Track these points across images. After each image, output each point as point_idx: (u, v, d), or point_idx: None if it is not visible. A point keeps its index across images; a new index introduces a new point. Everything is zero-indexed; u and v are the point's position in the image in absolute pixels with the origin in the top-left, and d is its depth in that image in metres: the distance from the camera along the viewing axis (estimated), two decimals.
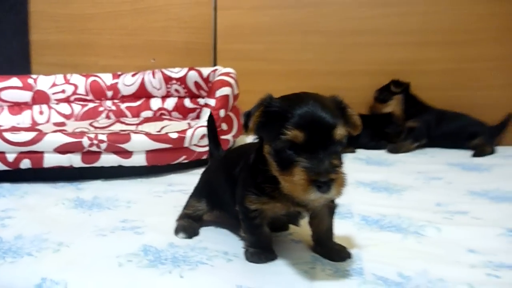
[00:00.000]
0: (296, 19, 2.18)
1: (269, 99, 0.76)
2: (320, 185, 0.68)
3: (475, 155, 1.83)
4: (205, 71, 1.94)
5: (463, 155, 1.82)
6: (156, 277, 0.77)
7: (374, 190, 1.33)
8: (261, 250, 0.85)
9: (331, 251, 0.86)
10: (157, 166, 1.41)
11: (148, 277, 0.77)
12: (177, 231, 0.97)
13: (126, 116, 2.05)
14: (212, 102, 1.56)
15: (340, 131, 0.71)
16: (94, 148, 1.30)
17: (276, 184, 0.76)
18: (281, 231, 0.97)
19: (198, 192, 1.02)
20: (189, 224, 0.98)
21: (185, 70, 1.99)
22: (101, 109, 2.06)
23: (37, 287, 0.75)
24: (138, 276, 0.78)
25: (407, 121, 2.03)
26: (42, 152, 1.28)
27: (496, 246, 0.93)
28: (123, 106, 2.08)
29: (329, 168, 0.69)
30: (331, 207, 0.86)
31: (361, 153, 1.87)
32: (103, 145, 1.30)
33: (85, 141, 1.29)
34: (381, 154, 1.84)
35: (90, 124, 1.92)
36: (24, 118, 1.90)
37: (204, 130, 1.46)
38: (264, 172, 0.77)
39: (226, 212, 0.97)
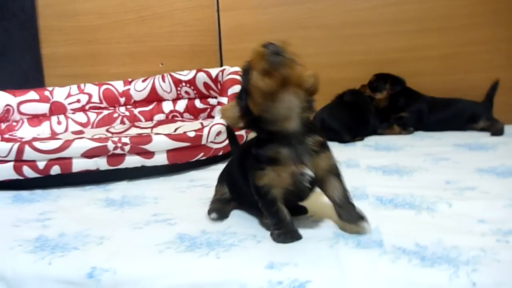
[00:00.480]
0: (296, 15, 2.25)
1: None
2: (267, 46, 0.82)
3: (493, 135, 1.88)
4: (213, 71, 2.01)
5: (469, 136, 1.87)
6: (195, 259, 0.84)
7: (385, 173, 1.39)
8: (285, 231, 0.91)
9: (351, 212, 0.93)
10: (178, 164, 1.48)
11: (188, 259, 0.84)
12: (209, 211, 1.06)
13: (140, 121, 2.13)
14: (224, 100, 1.64)
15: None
16: (118, 151, 1.37)
17: (274, 144, 0.88)
18: (301, 215, 1.05)
19: (221, 179, 1.14)
20: (220, 207, 1.07)
21: (193, 72, 2.06)
22: (115, 115, 2.13)
23: (89, 275, 0.82)
24: (179, 259, 0.85)
25: (399, 111, 2.08)
26: (70, 158, 1.35)
27: (504, 216, 1.00)
28: (136, 111, 2.15)
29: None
30: (332, 168, 0.93)
31: (369, 140, 1.93)
32: (127, 147, 1.37)
33: (110, 145, 1.36)
34: (389, 139, 1.89)
35: (107, 130, 1.99)
36: (43, 129, 1.98)
37: (219, 127, 1.54)
38: (263, 133, 0.89)
39: (247, 203, 1.06)
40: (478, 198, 1.13)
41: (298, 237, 0.92)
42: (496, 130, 1.91)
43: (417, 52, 2.15)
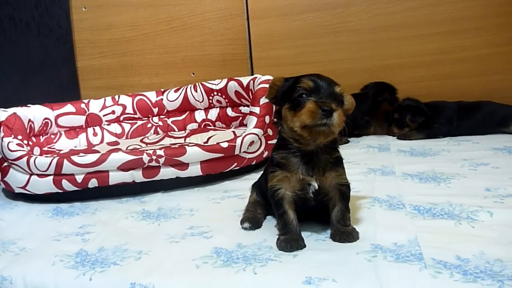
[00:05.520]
0: (326, 21, 2.23)
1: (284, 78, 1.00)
2: (324, 111, 0.88)
3: None
4: (245, 80, 2.01)
5: (508, 139, 1.80)
6: (232, 274, 0.85)
7: (422, 181, 1.36)
8: (289, 238, 0.95)
9: (336, 232, 0.97)
10: (212, 175, 1.49)
11: (225, 275, 0.85)
12: (242, 221, 1.09)
13: (173, 130, 2.15)
14: (257, 110, 1.63)
15: (340, 87, 0.94)
16: (153, 163, 1.39)
17: (287, 150, 0.96)
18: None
19: (254, 185, 1.21)
20: (253, 216, 1.10)
21: (225, 81, 2.07)
22: (149, 125, 2.16)
23: None
24: (216, 275, 0.85)
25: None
26: (107, 171, 1.38)
27: None
28: (169, 121, 2.18)
29: (331, 103, 0.90)
30: (341, 191, 0.98)
31: (404, 145, 1.88)
32: (162, 160, 1.39)
33: (145, 158, 1.38)
34: (424, 144, 1.84)
35: (141, 141, 2.02)
36: (80, 141, 2.02)
37: (251, 137, 1.54)
38: (281, 140, 0.99)
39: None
40: None
41: (300, 245, 0.94)
42: None
43: (452, 54, 2.11)
